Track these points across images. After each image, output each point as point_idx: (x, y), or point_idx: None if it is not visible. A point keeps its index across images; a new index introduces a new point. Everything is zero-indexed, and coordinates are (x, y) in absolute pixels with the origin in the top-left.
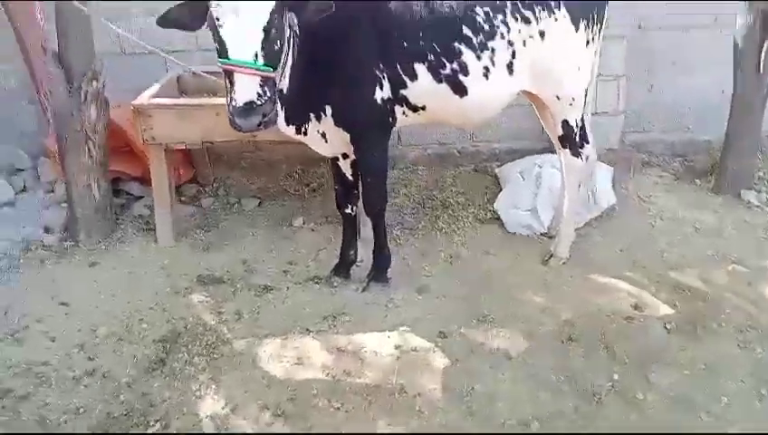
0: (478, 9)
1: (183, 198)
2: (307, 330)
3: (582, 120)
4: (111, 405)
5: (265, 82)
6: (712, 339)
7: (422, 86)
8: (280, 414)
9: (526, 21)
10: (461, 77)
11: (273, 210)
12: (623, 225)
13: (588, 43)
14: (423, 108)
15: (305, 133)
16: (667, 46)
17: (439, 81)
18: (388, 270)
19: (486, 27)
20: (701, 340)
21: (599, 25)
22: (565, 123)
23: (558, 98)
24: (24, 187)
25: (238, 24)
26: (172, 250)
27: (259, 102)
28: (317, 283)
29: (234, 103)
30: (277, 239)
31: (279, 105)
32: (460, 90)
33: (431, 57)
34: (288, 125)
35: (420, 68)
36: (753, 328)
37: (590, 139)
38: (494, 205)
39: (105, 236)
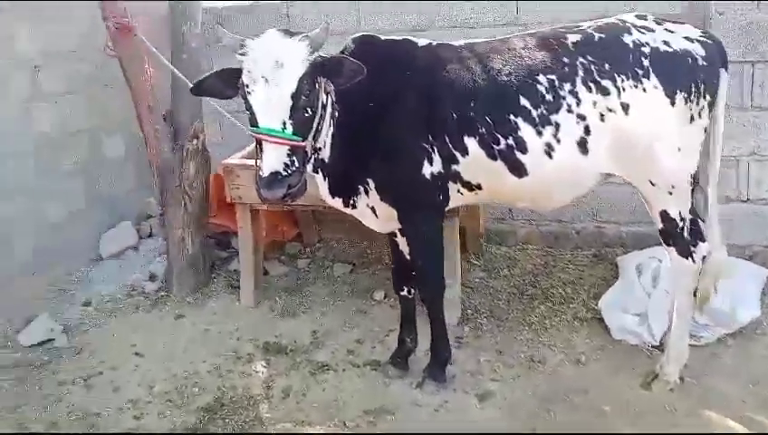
0: (541, 77)
1: (283, 257)
2: (344, 424)
3: (694, 213)
4: None
5: (294, 151)
6: None
7: (475, 162)
8: None
9: (604, 92)
10: (518, 154)
11: (361, 279)
12: (766, 349)
13: (692, 119)
14: (479, 186)
15: (354, 206)
16: None
17: (493, 157)
18: (447, 367)
19: (550, 98)
20: None
21: (707, 98)
22: (665, 215)
23: (652, 184)
24: (151, 233)
25: (266, 91)
26: (251, 311)
27: (285, 173)
28: (374, 369)
29: (260, 173)
30: (354, 313)
31: (321, 175)
32: (517, 168)
33: (483, 130)
34: (333, 197)
35: (471, 142)
36: None
37: (706, 236)
38: (599, 302)
39: (195, 289)
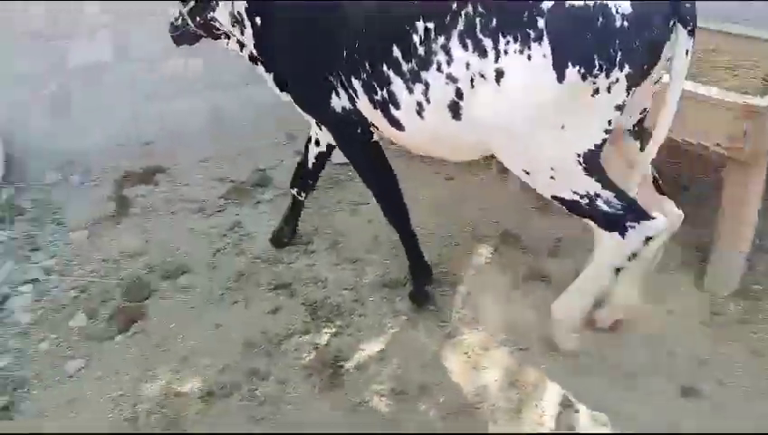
0: (419, 24)
1: None
2: None
3: (611, 188)
4: None
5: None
6: None
7: (365, 107)
8: None
9: (481, 52)
10: (392, 108)
11: None
12: None
13: (597, 92)
14: (378, 128)
15: None
16: None
17: (374, 106)
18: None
19: (421, 52)
20: None
21: (626, 69)
22: (560, 199)
23: (526, 172)
24: None
25: None
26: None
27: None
28: None
29: None
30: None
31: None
32: (395, 123)
33: (364, 76)
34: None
35: (357, 85)
36: None
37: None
38: None
39: None
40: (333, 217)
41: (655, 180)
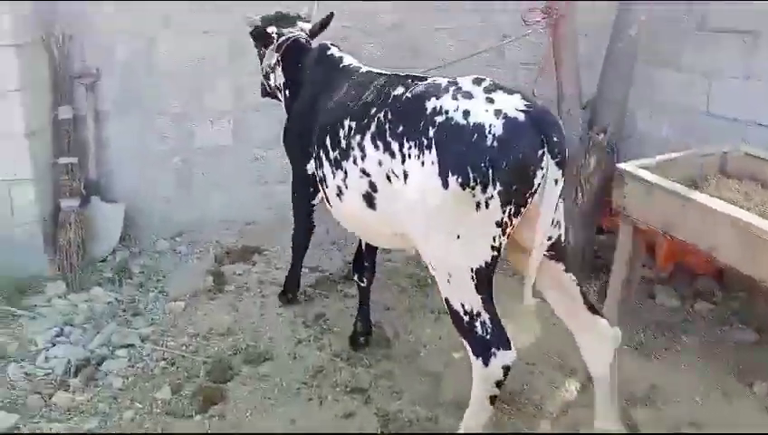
0: (347, 121)
1: (684, 291)
2: None
3: (490, 311)
4: None
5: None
6: None
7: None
8: None
9: (391, 154)
10: (324, 186)
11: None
12: None
13: (478, 207)
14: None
15: None
16: None
17: (319, 181)
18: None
19: (344, 145)
20: None
21: (498, 187)
22: (448, 304)
23: (432, 267)
24: None
25: None
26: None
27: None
28: None
29: None
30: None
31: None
32: (327, 199)
33: (315, 155)
34: None
35: (312, 162)
36: None
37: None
38: None
39: None
40: (417, 324)
41: (586, 300)
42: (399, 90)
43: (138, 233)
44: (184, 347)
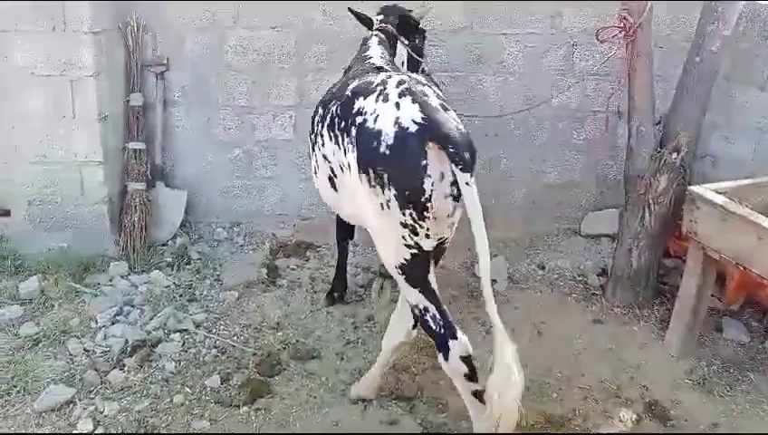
0: (320, 109)
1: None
2: None
3: (434, 302)
4: None
5: None
6: None
7: None
8: None
9: (338, 145)
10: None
11: None
12: None
13: (382, 208)
14: None
15: None
16: None
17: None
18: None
19: (317, 130)
20: None
21: (393, 191)
22: (405, 297)
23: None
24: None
25: None
26: (666, 359)
27: None
28: None
29: None
30: None
31: None
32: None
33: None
34: None
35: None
36: None
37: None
38: None
39: (627, 304)
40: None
41: None
42: (353, 84)
43: (197, 220)
44: (235, 337)
